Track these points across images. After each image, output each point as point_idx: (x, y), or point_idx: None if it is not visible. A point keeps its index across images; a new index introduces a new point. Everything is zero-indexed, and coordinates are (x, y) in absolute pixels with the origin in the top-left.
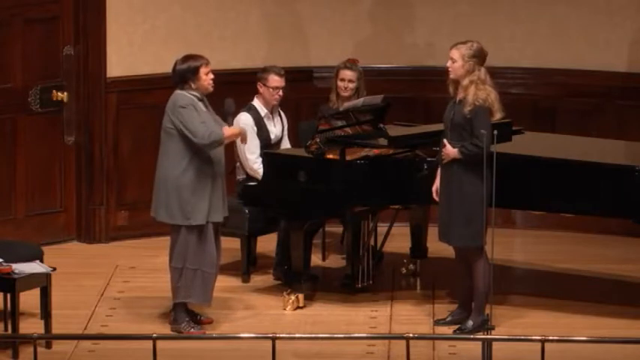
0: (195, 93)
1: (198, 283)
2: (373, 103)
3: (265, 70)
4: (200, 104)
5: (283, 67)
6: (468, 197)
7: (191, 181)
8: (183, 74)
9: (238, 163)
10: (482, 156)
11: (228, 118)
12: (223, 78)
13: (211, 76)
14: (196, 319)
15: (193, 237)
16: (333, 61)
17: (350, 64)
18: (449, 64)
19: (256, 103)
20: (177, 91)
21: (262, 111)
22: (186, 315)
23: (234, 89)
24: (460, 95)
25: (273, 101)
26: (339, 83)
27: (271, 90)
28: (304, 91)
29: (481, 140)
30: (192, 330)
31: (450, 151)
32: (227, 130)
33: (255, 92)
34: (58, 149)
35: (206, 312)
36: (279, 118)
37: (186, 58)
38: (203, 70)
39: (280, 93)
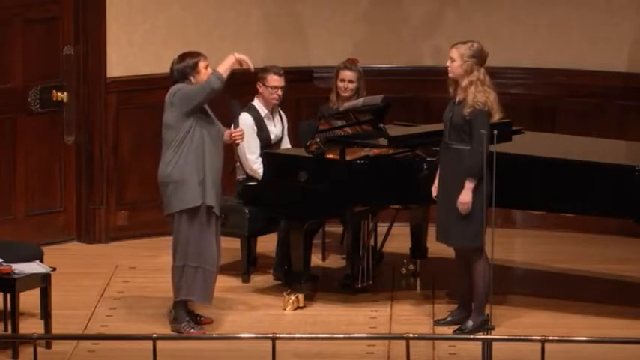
0: None
1: (199, 282)
2: (373, 103)
3: (265, 70)
4: None
5: (283, 67)
6: None
7: (193, 172)
8: (183, 70)
9: (238, 163)
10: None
11: (234, 119)
12: None
13: (210, 69)
14: (196, 319)
15: (194, 233)
16: (333, 61)
17: (350, 64)
18: (448, 63)
19: (256, 103)
20: (175, 85)
21: (262, 111)
22: (186, 314)
23: (234, 89)
24: (460, 96)
25: (273, 100)
26: (339, 83)
27: (270, 89)
28: (304, 91)
29: (480, 143)
30: (192, 330)
31: (466, 195)
32: (222, 65)
33: (255, 92)
34: (58, 149)
35: (206, 312)
36: (279, 118)
37: (183, 55)
38: (202, 64)
39: (279, 92)
